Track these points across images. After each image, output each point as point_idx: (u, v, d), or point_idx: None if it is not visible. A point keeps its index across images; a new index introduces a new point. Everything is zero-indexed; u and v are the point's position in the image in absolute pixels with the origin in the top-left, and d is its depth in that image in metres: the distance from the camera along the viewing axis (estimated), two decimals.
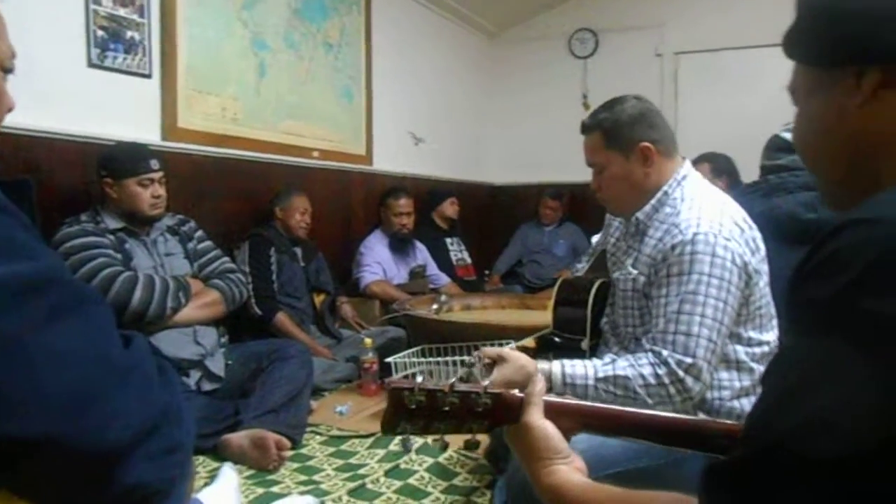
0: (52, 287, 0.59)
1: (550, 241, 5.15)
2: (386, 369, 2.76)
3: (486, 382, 0.88)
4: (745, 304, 1.43)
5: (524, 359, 1.41)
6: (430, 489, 2.03)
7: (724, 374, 1.44)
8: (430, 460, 2.18)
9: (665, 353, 1.35)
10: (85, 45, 2.60)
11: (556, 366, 1.40)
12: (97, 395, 0.58)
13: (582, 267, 2.06)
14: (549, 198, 5.17)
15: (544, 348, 1.71)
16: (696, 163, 3.69)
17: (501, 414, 0.87)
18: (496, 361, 1.41)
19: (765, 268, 1.48)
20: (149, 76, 2.86)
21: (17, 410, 0.54)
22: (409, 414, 0.84)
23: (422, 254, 4.25)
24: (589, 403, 0.91)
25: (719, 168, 3.62)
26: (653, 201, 1.53)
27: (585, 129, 1.60)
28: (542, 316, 2.84)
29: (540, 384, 0.89)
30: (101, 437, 0.58)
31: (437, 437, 0.88)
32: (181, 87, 2.99)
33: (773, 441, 0.54)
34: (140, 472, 0.60)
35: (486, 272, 5.16)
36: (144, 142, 2.66)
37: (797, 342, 0.56)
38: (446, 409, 0.85)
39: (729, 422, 0.96)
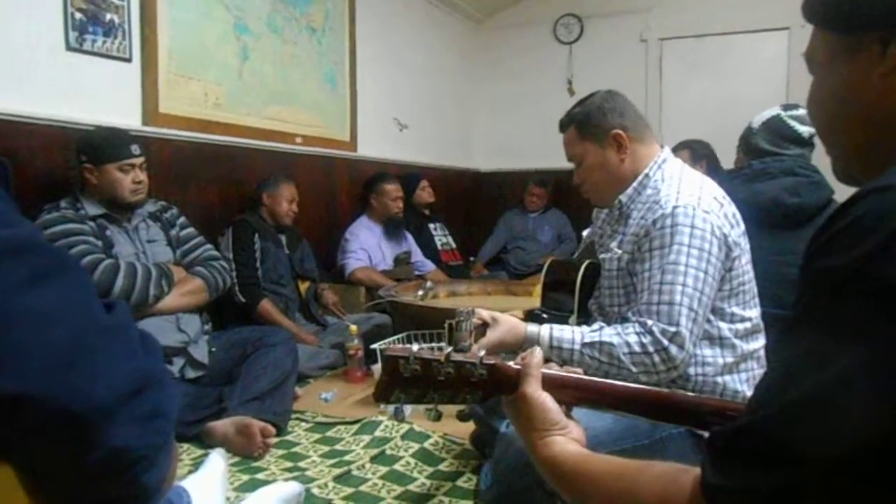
0: (31, 251, 0.59)
1: (535, 228, 5.16)
2: (371, 356, 2.77)
3: (481, 353, 0.88)
4: (728, 278, 1.46)
5: (515, 321, 1.45)
6: (415, 474, 2.03)
7: (707, 351, 1.45)
8: (416, 446, 2.18)
9: (650, 322, 1.37)
10: (63, 28, 2.55)
11: (544, 329, 1.44)
12: (81, 354, 0.58)
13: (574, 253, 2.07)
14: (534, 185, 5.17)
15: (532, 322, 1.73)
16: (676, 150, 3.71)
17: (496, 385, 0.88)
18: (488, 324, 1.43)
19: (745, 244, 1.51)
20: (129, 60, 2.82)
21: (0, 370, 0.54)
22: (404, 382, 0.84)
23: (408, 241, 4.24)
24: (586, 378, 0.92)
25: (698, 153, 3.67)
26: (634, 184, 1.57)
27: (562, 126, 1.66)
28: (528, 302, 2.86)
29: (538, 356, 0.89)
30: (85, 395, 0.57)
31: (430, 406, 0.88)
32: (162, 71, 2.95)
33: (773, 414, 0.53)
34: (124, 435, 0.59)
35: (472, 259, 5.16)
36: (125, 127, 2.63)
37: (809, 314, 0.55)
38: (441, 378, 0.85)
39: (722, 399, 0.97)
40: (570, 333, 1.42)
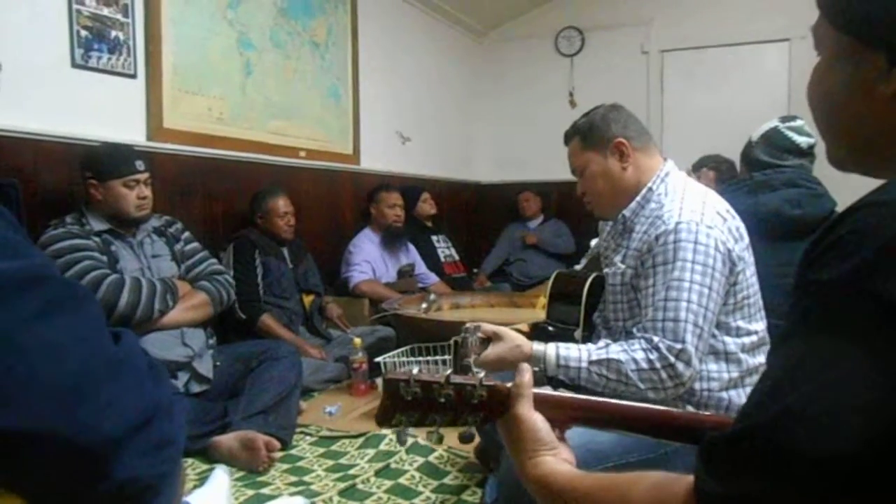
0: (43, 283, 0.59)
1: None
2: (376, 369, 2.77)
3: (481, 374, 0.88)
4: (732, 292, 1.45)
5: (520, 339, 1.43)
6: (420, 488, 2.03)
7: (712, 366, 1.45)
8: (421, 459, 2.18)
9: (656, 338, 1.37)
10: (69, 46, 2.57)
11: (550, 348, 1.43)
12: (90, 387, 0.58)
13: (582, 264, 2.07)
14: (524, 192, 5.25)
15: (538, 337, 1.72)
16: (700, 167, 3.61)
17: (497, 406, 0.87)
18: (492, 338, 1.42)
19: (750, 257, 1.50)
20: (134, 76, 2.84)
21: (9, 404, 0.54)
22: (405, 405, 0.84)
23: (411, 253, 4.25)
24: (580, 396, 0.92)
25: (723, 177, 3.44)
26: (638, 198, 1.57)
27: (566, 138, 1.67)
28: (531, 314, 2.86)
29: (527, 375, 0.88)
30: (94, 429, 0.57)
31: (431, 429, 0.88)
32: (166, 87, 2.97)
33: (767, 421, 0.53)
34: (133, 467, 0.60)
35: (475, 271, 5.17)
36: (130, 142, 2.65)
37: (803, 325, 0.55)
38: (442, 401, 0.84)
39: (719, 415, 0.96)
40: (577, 352, 1.42)
